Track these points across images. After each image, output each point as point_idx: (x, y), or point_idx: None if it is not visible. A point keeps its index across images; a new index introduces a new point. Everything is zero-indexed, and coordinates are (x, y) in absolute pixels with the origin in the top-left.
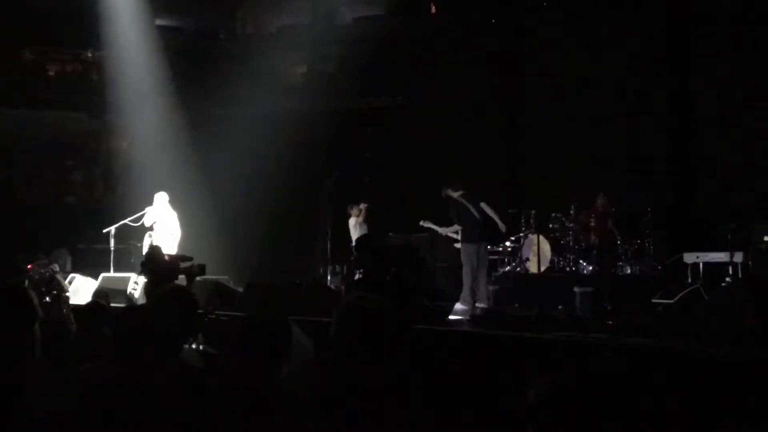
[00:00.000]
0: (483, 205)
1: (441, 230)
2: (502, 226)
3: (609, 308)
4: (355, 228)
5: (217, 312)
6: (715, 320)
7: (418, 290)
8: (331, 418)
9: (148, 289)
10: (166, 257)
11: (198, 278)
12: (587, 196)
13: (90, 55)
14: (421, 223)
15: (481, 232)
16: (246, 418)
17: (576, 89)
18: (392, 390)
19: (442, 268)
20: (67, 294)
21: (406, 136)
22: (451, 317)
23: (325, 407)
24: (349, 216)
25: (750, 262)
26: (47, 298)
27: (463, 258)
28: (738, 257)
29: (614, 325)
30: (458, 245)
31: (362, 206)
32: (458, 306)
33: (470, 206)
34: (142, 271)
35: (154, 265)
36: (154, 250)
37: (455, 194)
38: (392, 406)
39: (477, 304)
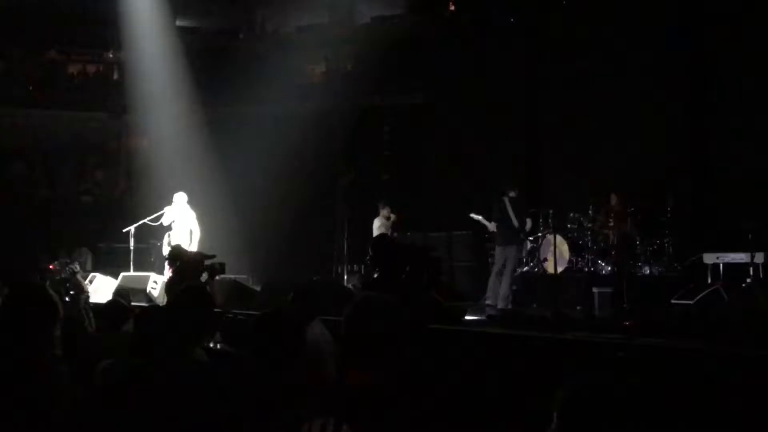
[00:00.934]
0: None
1: (489, 225)
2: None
3: (627, 308)
4: (379, 230)
5: (234, 311)
6: (734, 320)
7: (432, 289)
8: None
9: (170, 286)
10: (190, 254)
11: (217, 277)
12: (606, 197)
13: (111, 55)
14: (471, 215)
15: (512, 236)
16: (257, 416)
17: (596, 88)
18: (404, 389)
19: (460, 267)
20: (87, 293)
21: (424, 135)
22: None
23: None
24: (378, 214)
25: None
26: (67, 298)
27: (495, 257)
28: (759, 258)
29: (632, 325)
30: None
31: (392, 215)
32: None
33: (512, 210)
34: (169, 267)
35: (180, 261)
36: (178, 247)
37: (506, 195)
38: (404, 406)
39: (490, 303)
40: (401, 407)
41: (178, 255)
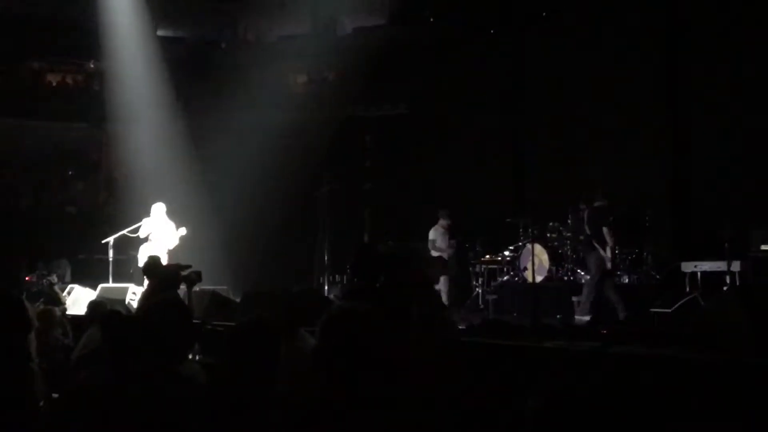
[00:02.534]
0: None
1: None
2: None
3: (606, 315)
4: (443, 237)
5: (214, 322)
6: (708, 328)
7: (411, 298)
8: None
9: (144, 299)
10: (166, 266)
11: (196, 288)
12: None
13: (92, 65)
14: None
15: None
16: (239, 427)
17: (575, 99)
18: (381, 399)
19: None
20: (65, 305)
21: (406, 145)
22: None
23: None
24: (437, 220)
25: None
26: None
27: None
28: (736, 266)
29: (608, 333)
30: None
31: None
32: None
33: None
34: (147, 279)
35: (157, 273)
36: (154, 259)
37: (597, 203)
38: (381, 417)
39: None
40: (375, 418)
41: (153, 267)
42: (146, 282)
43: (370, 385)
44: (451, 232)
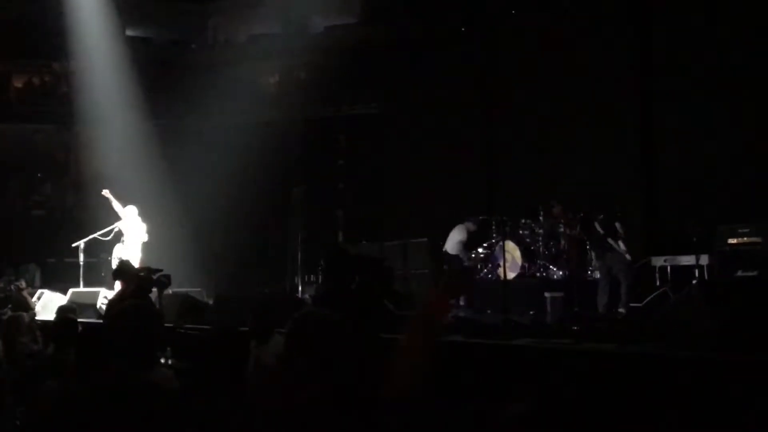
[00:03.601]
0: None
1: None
2: None
3: (578, 312)
4: (457, 239)
5: (186, 325)
6: (675, 323)
7: (383, 298)
8: None
9: (116, 302)
10: (137, 269)
11: (168, 291)
12: (559, 202)
13: (58, 66)
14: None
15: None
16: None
17: (547, 97)
18: (351, 403)
19: (415, 275)
20: (33, 310)
21: (379, 144)
22: None
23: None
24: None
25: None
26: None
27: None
28: (704, 260)
29: (579, 330)
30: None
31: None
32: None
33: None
34: (118, 282)
35: (129, 276)
36: (124, 263)
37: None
38: (356, 420)
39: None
40: (346, 422)
41: (124, 270)
42: (117, 285)
43: (336, 389)
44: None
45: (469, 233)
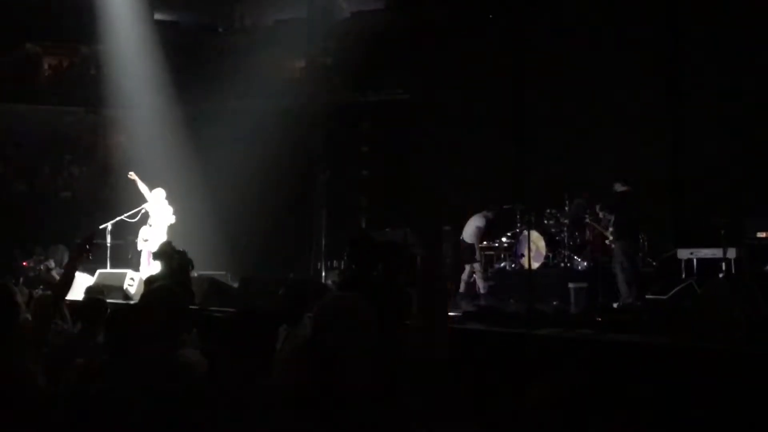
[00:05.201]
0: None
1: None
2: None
3: (602, 303)
4: (475, 226)
5: (212, 308)
6: (702, 315)
7: (407, 286)
8: (313, 419)
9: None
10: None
11: (194, 274)
12: (585, 192)
13: (88, 49)
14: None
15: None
16: (233, 417)
17: (576, 85)
18: (376, 388)
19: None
20: None
21: (405, 131)
22: None
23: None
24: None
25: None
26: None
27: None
28: (731, 253)
29: (603, 321)
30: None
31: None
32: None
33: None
34: (161, 263)
35: (173, 258)
36: (167, 243)
37: (620, 189)
38: (378, 405)
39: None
40: (367, 406)
41: (166, 252)
42: (148, 266)
43: (361, 377)
44: (490, 228)
45: (488, 222)
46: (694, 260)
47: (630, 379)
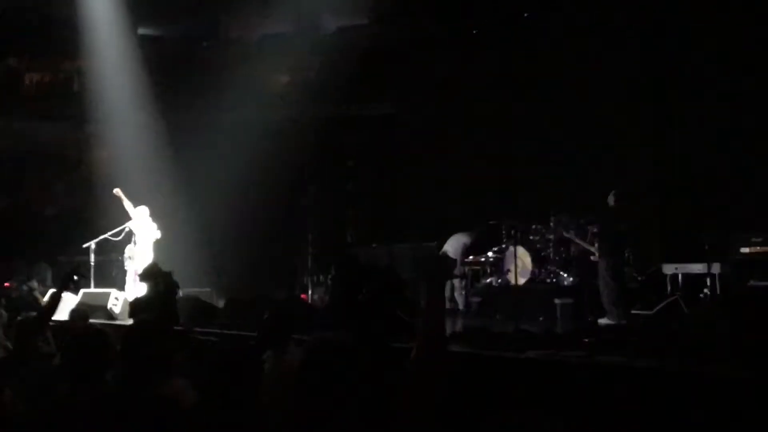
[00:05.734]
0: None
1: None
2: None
3: (589, 320)
4: (458, 243)
5: (197, 329)
6: (691, 336)
7: (395, 308)
8: None
9: (144, 304)
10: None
11: (180, 294)
12: (570, 208)
13: (71, 64)
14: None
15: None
16: None
17: (561, 100)
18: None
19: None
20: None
21: (391, 145)
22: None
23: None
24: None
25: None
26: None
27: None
28: (716, 268)
29: (590, 342)
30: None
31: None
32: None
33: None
34: (147, 285)
35: (159, 279)
36: (154, 265)
37: (610, 201)
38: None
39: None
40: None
41: (153, 273)
42: (134, 286)
43: (352, 412)
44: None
45: (474, 241)
46: (680, 275)
47: (621, 404)
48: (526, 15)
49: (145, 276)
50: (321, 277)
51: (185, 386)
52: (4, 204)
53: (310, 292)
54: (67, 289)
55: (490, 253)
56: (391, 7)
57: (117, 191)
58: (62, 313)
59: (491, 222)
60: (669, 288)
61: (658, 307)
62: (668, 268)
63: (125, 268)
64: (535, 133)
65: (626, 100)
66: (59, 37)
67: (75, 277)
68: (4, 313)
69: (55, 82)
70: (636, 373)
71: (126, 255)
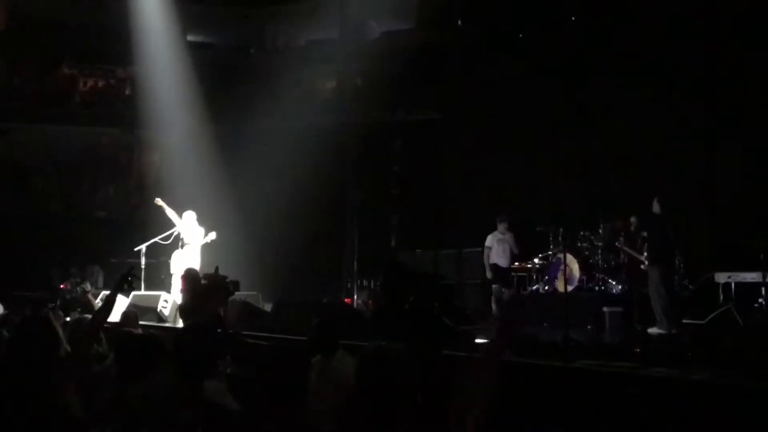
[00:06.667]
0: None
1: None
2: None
3: (639, 329)
4: (500, 245)
5: (245, 332)
6: (747, 348)
7: (442, 315)
8: None
9: (189, 309)
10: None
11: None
12: (618, 215)
13: (123, 71)
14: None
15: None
16: None
17: (607, 104)
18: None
19: (470, 285)
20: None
21: (436, 151)
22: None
23: None
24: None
25: None
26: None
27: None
28: None
29: (642, 353)
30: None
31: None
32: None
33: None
34: (187, 288)
35: (202, 284)
36: (216, 274)
37: (655, 208)
38: None
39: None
40: None
41: (197, 277)
42: (180, 290)
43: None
44: (512, 241)
45: (501, 236)
46: (732, 284)
47: (673, 419)
48: (573, 18)
49: (185, 279)
50: (365, 282)
51: (221, 388)
52: (60, 209)
53: (354, 296)
54: (122, 291)
55: (536, 259)
56: (435, 12)
57: (158, 201)
58: (114, 315)
59: (538, 228)
60: (721, 297)
61: (710, 317)
62: (721, 277)
63: (172, 272)
64: (586, 139)
65: (678, 103)
66: (112, 44)
67: (129, 279)
68: (61, 313)
69: (107, 88)
70: (691, 387)
71: (174, 259)
